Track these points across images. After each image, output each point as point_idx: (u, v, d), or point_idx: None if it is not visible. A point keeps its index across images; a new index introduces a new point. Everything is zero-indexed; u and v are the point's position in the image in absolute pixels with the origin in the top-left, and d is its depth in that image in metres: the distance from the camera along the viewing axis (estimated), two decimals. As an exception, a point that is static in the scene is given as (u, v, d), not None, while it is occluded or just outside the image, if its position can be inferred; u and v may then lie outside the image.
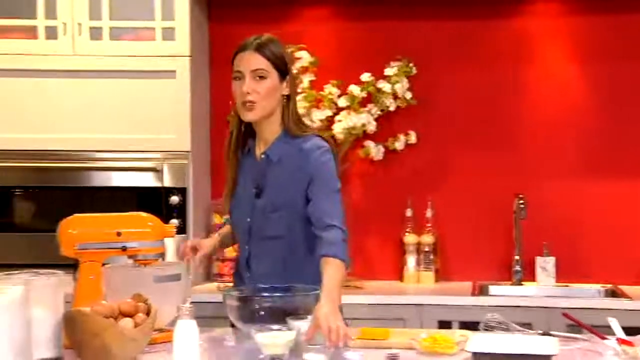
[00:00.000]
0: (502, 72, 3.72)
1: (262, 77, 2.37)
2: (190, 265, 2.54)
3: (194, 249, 2.51)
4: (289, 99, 2.43)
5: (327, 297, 2.15)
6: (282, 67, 2.40)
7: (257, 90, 2.36)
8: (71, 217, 2.35)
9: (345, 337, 2.08)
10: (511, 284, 3.59)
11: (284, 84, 2.41)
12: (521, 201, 3.52)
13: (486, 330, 2.26)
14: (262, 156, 2.44)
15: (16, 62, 3.35)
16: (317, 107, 3.63)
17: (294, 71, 2.46)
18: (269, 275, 2.39)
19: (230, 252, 3.33)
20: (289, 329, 2.05)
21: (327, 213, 2.33)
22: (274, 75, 2.39)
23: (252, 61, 2.37)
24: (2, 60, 3.35)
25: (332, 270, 2.23)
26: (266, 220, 2.41)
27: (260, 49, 2.38)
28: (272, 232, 2.42)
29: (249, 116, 2.39)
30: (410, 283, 3.62)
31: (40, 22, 3.36)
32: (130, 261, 2.41)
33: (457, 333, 2.21)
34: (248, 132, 2.48)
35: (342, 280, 2.26)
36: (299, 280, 2.33)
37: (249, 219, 2.44)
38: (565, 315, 2.52)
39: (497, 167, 3.72)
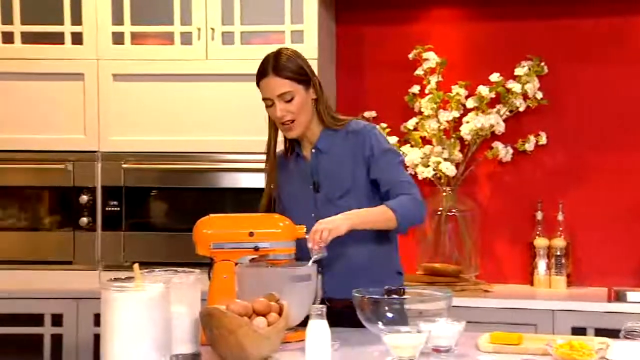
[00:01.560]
0: (638, 69, 3.57)
1: (290, 99, 2.46)
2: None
3: None
4: (317, 101, 2.52)
5: (346, 214, 2.36)
6: (304, 78, 2.49)
7: (290, 110, 2.47)
8: (206, 217, 2.41)
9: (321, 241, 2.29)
10: (650, 291, 3.45)
11: (310, 90, 2.51)
12: (661, 204, 3.36)
13: (627, 338, 2.16)
14: (313, 151, 2.55)
15: (153, 67, 3.47)
16: (444, 108, 3.59)
17: (315, 74, 2.57)
18: (340, 261, 2.45)
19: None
20: (419, 332, 2.04)
21: (399, 185, 2.46)
22: (299, 90, 2.48)
23: (275, 87, 2.47)
24: (140, 66, 3.48)
25: (376, 209, 2.41)
26: (334, 208, 2.46)
27: (277, 71, 2.46)
28: None
29: (291, 134, 2.53)
30: (540, 287, 3.52)
31: (177, 28, 3.47)
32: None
33: (595, 340, 2.13)
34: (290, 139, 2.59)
35: (377, 221, 2.41)
36: (373, 264, 2.48)
37: (313, 214, 2.48)
38: None
39: (634, 168, 3.57)
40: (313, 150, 2.56)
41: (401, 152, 2.59)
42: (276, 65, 2.46)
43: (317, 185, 2.54)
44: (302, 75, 2.48)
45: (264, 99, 2.50)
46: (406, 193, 2.45)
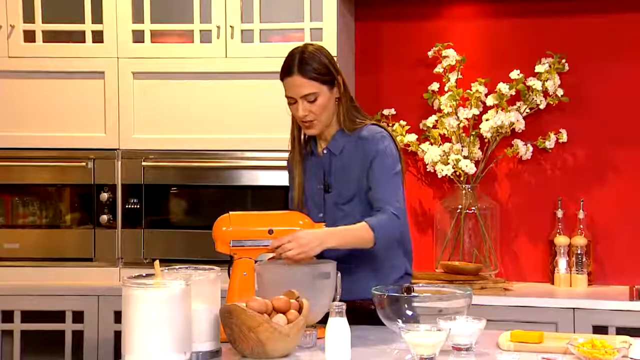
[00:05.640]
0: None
1: (313, 100, 2.44)
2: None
3: None
4: (340, 99, 2.50)
5: (325, 231, 2.33)
6: (329, 77, 2.47)
7: (312, 110, 2.46)
8: (225, 215, 2.42)
9: (288, 258, 2.28)
10: (672, 289, 3.41)
11: (334, 90, 2.49)
12: (683, 202, 3.33)
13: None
14: (324, 152, 2.54)
15: (173, 65, 3.48)
16: (464, 106, 3.58)
17: (340, 72, 2.53)
18: (346, 264, 2.41)
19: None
20: (439, 330, 2.03)
21: (383, 199, 2.41)
22: (323, 90, 2.46)
23: (299, 87, 2.44)
24: (159, 64, 3.49)
25: (357, 229, 2.35)
26: (339, 212, 2.49)
27: (303, 71, 2.43)
28: (346, 223, 2.44)
29: (311, 132, 2.52)
30: (561, 286, 3.50)
31: (196, 26, 3.48)
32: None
33: (617, 339, 2.12)
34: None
35: (355, 243, 2.36)
36: (378, 268, 2.45)
37: (321, 215, 2.52)
38: None
39: (657, 166, 3.55)
40: (325, 151, 2.56)
41: (399, 163, 2.49)
42: (302, 64, 2.43)
43: (328, 186, 2.54)
44: (327, 75, 2.46)
45: (287, 96, 2.49)
46: (387, 209, 2.39)
